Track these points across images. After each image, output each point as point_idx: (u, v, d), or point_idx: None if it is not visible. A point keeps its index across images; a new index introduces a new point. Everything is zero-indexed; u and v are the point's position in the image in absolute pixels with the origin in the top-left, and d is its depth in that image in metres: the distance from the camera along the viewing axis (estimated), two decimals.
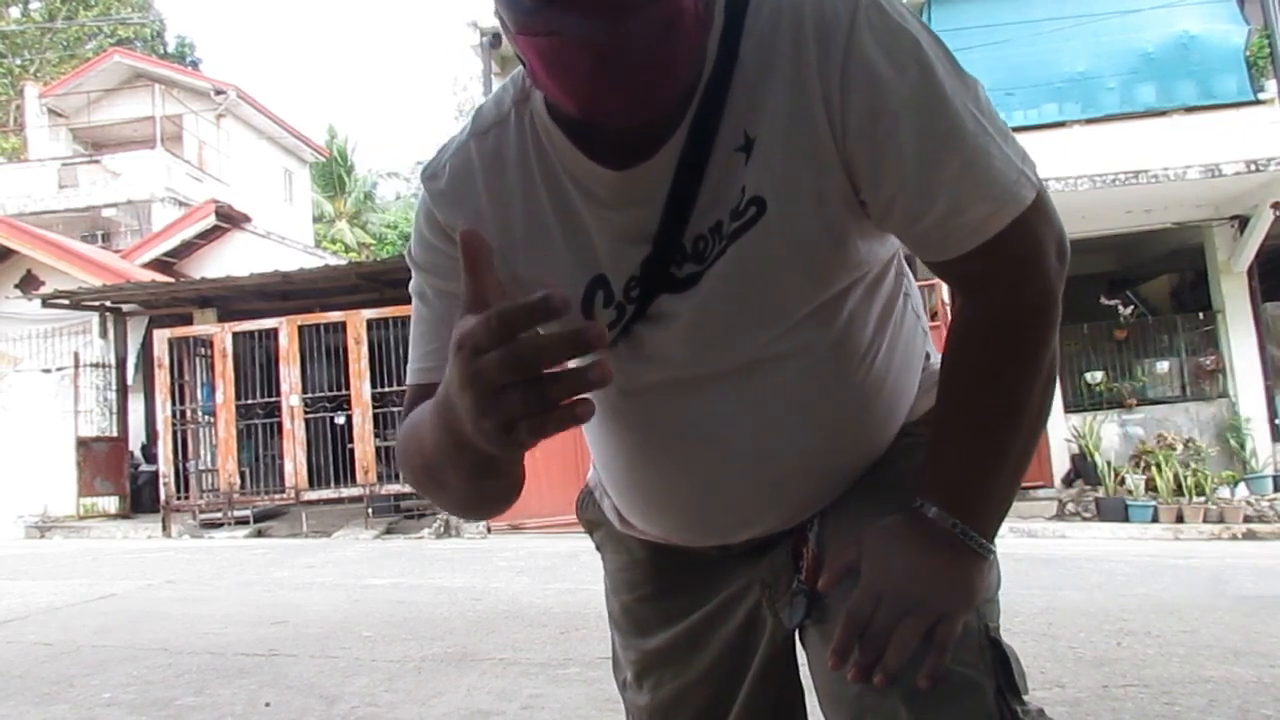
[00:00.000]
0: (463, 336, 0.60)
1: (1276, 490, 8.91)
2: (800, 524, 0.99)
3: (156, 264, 14.35)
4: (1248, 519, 8.18)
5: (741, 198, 0.84)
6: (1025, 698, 0.85)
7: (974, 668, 0.83)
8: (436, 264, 0.94)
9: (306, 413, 10.88)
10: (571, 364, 0.63)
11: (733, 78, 0.82)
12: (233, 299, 11.88)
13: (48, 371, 12.43)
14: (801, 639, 0.99)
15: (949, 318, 0.94)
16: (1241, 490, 8.79)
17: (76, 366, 12.18)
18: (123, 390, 12.34)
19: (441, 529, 9.64)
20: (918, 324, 1.03)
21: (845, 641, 0.82)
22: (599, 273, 0.90)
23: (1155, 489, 8.64)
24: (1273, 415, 9.51)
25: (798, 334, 0.90)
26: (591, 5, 0.69)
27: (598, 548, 1.20)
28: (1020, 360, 0.85)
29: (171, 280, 12.92)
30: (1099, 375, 9.88)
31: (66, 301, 11.76)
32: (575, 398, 0.58)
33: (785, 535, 1.00)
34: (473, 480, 0.75)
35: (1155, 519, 8.38)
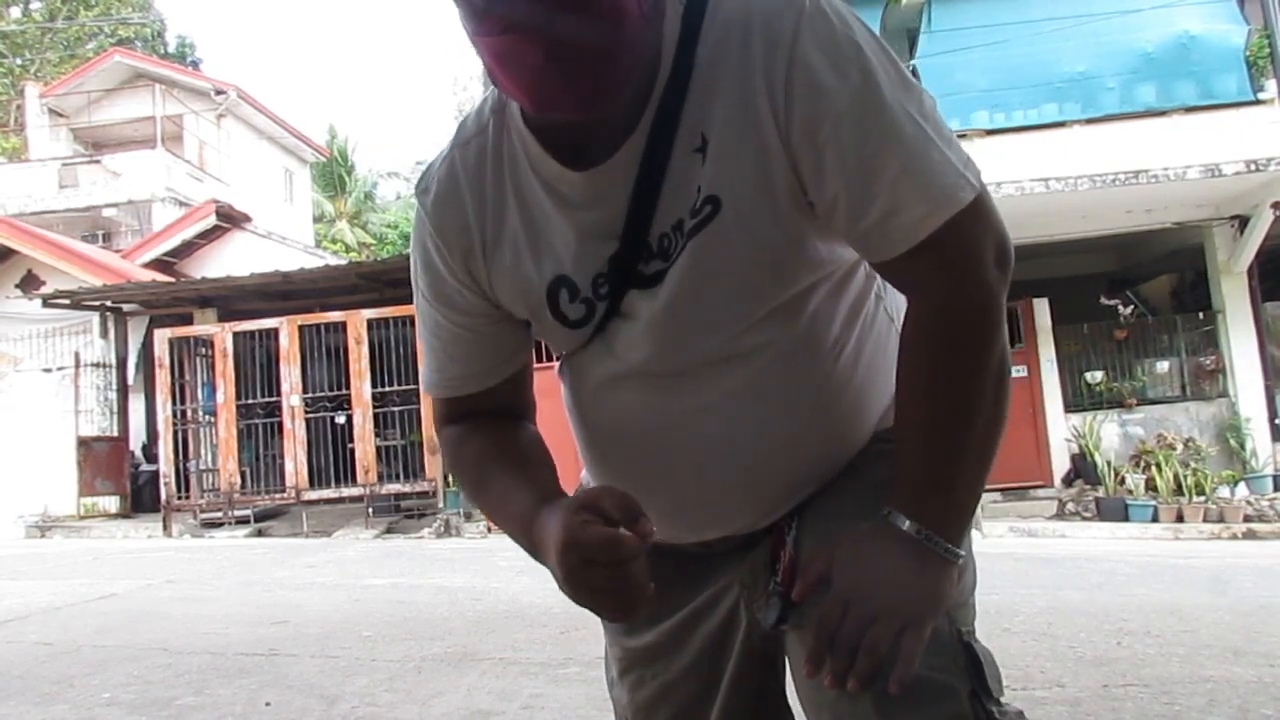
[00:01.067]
0: (572, 543, 0.80)
1: (1276, 490, 8.90)
2: (778, 525, 1.00)
3: (157, 264, 14.35)
4: (1248, 519, 8.18)
5: (698, 196, 0.87)
6: (1001, 699, 0.86)
7: (946, 671, 0.85)
8: (432, 289, 1.00)
9: (307, 412, 10.88)
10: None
11: (690, 81, 0.86)
12: (233, 299, 11.88)
13: (48, 371, 12.44)
14: (783, 641, 1.00)
15: None
16: (1241, 490, 8.79)
17: (77, 366, 12.18)
18: (123, 390, 12.35)
19: (441, 529, 9.65)
20: (892, 326, 1.04)
21: (817, 649, 0.85)
22: (561, 273, 0.94)
23: (1155, 489, 8.63)
24: (1273, 415, 9.50)
25: (761, 331, 0.92)
26: (539, 1, 0.74)
27: None
28: (964, 361, 0.87)
29: (172, 280, 12.92)
30: (1099, 375, 9.87)
31: (67, 301, 11.76)
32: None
33: (765, 535, 1.01)
34: None
35: (1155, 519, 8.38)
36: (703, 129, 0.86)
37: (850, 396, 0.98)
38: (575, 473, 1.19)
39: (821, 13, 0.83)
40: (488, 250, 0.97)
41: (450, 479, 9.87)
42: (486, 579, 6.04)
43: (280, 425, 10.92)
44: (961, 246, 0.84)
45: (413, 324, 9.83)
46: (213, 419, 11.17)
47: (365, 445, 10.61)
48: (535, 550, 0.90)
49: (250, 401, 11.04)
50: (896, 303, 1.06)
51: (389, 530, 9.87)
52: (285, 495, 10.78)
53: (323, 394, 10.95)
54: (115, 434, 12.13)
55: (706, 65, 0.86)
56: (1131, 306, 10.39)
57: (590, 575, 0.79)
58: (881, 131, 0.82)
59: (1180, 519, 8.28)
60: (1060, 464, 9.63)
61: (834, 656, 0.83)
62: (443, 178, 0.98)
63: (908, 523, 0.87)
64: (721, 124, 0.86)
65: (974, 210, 0.84)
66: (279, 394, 10.90)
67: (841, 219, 0.86)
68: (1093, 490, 9.00)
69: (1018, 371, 9.02)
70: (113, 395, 12.27)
